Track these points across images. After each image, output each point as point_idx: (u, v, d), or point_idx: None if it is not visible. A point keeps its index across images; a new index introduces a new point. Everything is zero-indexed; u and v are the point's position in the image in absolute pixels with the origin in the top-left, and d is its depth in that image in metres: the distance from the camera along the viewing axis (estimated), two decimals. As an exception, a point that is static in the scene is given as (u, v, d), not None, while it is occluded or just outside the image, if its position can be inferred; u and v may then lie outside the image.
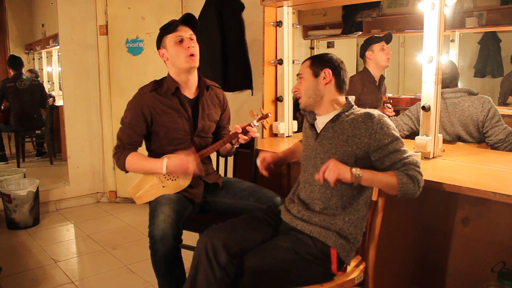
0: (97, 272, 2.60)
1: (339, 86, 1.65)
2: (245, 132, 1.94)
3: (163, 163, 1.84)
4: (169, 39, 1.92)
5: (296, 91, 1.70)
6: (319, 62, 1.65)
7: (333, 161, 1.48)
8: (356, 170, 1.45)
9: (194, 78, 2.01)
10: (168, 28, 1.92)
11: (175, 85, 1.96)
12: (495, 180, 1.72)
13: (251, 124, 1.96)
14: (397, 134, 1.53)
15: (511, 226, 1.84)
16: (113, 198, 3.93)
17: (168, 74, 2.00)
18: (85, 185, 3.90)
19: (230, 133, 1.97)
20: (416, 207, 2.05)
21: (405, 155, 1.50)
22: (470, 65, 4.17)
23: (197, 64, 1.95)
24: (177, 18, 1.95)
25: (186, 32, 1.92)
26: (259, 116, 2.02)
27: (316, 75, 1.64)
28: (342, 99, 1.66)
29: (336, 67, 1.64)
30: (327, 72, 1.63)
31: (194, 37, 1.96)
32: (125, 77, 3.74)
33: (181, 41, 1.90)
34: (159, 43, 1.97)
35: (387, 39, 2.89)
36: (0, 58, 6.70)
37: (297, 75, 1.71)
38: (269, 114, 2.04)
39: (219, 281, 1.43)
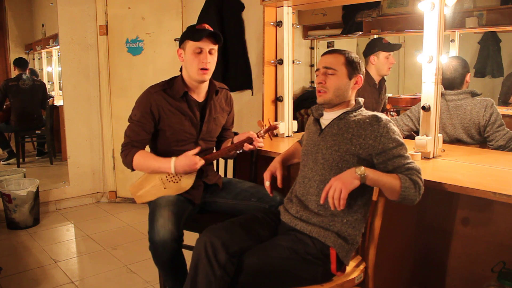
0: (97, 272, 2.60)
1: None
2: (250, 141, 1.94)
3: (171, 163, 1.86)
4: (190, 45, 1.90)
5: (322, 83, 1.61)
6: (354, 64, 1.61)
7: (333, 178, 1.44)
8: (360, 170, 1.42)
9: (205, 84, 2.01)
10: (192, 35, 1.89)
11: (184, 90, 1.95)
12: (495, 180, 1.72)
13: (258, 134, 1.97)
14: (402, 140, 1.53)
15: (511, 226, 1.84)
16: (113, 198, 3.94)
17: (181, 75, 1.99)
18: (85, 185, 3.90)
19: (241, 139, 1.95)
20: (416, 207, 2.02)
21: (408, 161, 1.50)
22: (470, 65, 4.14)
23: (207, 78, 1.95)
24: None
25: (208, 45, 1.90)
26: (267, 127, 2.02)
27: (350, 77, 1.61)
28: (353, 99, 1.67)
29: (363, 73, 1.65)
30: (360, 79, 1.63)
31: (214, 51, 1.94)
32: (125, 77, 3.74)
33: (199, 52, 1.89)
34: (181, 43, 1.96)
35: (396, 50, 2.81)
36: (0, 58, 6.70)
37: (325, 67, 1.61)
38: (277, 126, 2.04)
39: (219, 280, 1.43)
